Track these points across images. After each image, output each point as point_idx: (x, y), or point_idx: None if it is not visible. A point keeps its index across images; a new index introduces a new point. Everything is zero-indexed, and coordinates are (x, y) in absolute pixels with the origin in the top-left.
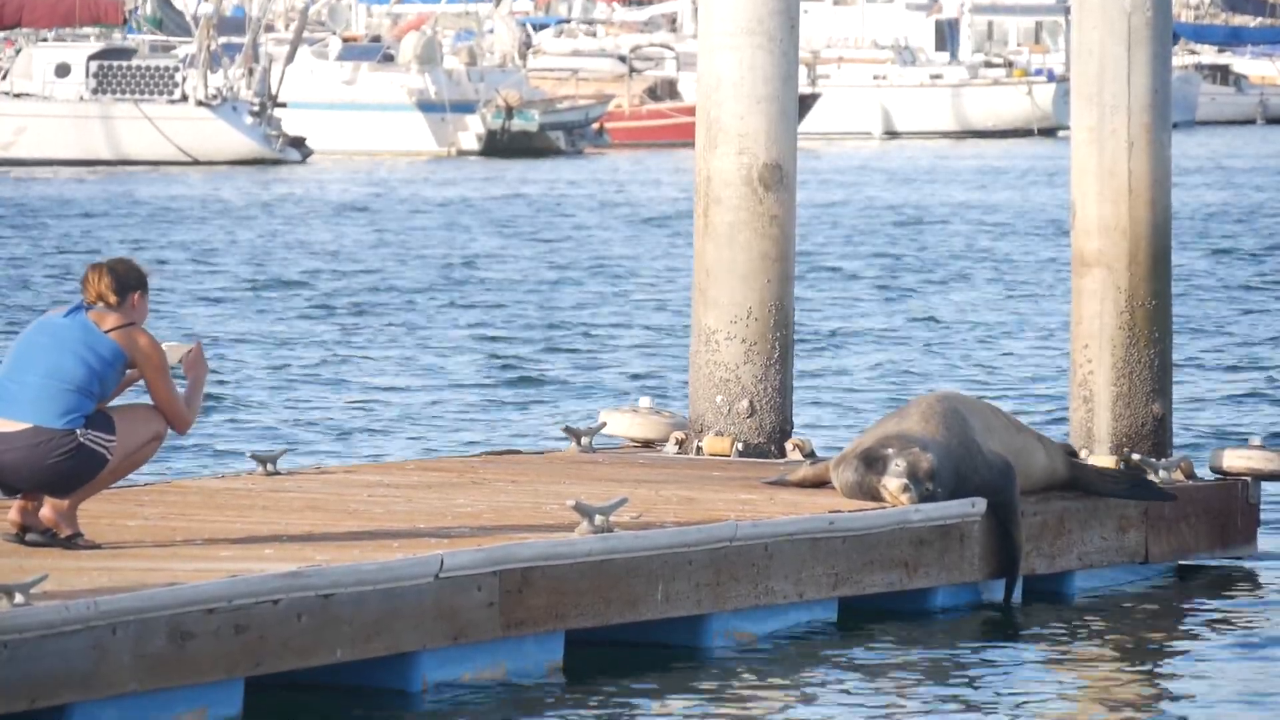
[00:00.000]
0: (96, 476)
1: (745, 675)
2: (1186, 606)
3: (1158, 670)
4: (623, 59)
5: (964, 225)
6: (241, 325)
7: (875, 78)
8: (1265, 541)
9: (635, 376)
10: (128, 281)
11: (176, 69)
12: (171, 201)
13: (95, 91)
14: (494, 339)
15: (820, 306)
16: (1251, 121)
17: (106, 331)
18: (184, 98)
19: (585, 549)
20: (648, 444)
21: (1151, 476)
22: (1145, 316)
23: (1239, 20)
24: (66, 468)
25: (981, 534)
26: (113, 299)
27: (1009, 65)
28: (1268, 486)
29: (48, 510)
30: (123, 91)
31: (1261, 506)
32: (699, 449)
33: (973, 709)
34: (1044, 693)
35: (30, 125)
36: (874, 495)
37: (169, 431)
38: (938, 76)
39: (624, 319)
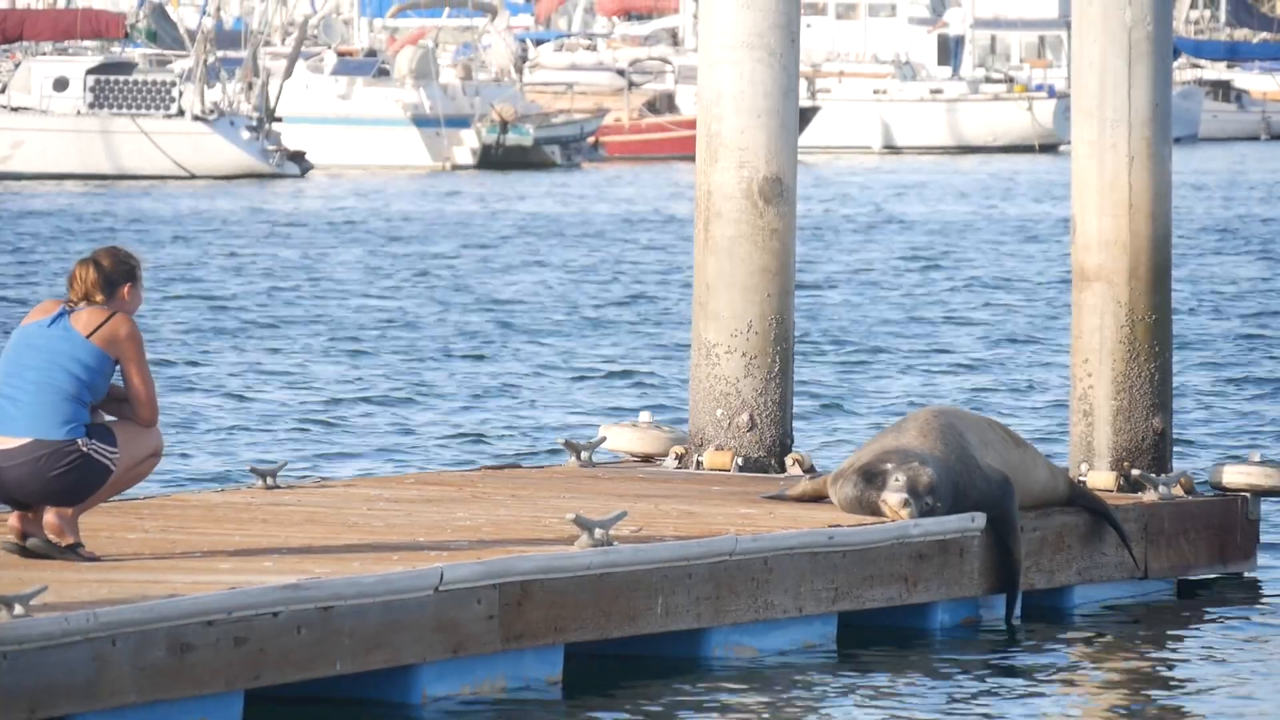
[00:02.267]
0: (101, 487)
1: (744, 690)
2: (1186, 622)
3: (1157, 686)
4: (621, 73)
5: (960, 240)
6: (239, 340)
7: (875, 92)
8: (1264, 557)
9: (635, 390)
10: (114, 277)
11: (174, 84)
12: (167, 216)
13: (93, 106)
14: (494, 353)
15: (821, 320)
16: (1255, 138)
17: (89, 336)
18: (181, 112)
19: (585, 562)
20: (648, 459)
21: (1151, 491)
22: (1145, 331)
23: (1240, 35)
24: (72, 480)
25: (981, 549)
26: (99, 297)
27: (1009, 81)
28: (1267, 502)
29: (51, 516)
30: (120, 106)
31: (1261, 522)
32: (699, 463)
33: None
34: (1044, 709)
35: (27, 139)
36: (873, 510)
37: (163, 447)
38: (938, 91)
39: (624, 332)
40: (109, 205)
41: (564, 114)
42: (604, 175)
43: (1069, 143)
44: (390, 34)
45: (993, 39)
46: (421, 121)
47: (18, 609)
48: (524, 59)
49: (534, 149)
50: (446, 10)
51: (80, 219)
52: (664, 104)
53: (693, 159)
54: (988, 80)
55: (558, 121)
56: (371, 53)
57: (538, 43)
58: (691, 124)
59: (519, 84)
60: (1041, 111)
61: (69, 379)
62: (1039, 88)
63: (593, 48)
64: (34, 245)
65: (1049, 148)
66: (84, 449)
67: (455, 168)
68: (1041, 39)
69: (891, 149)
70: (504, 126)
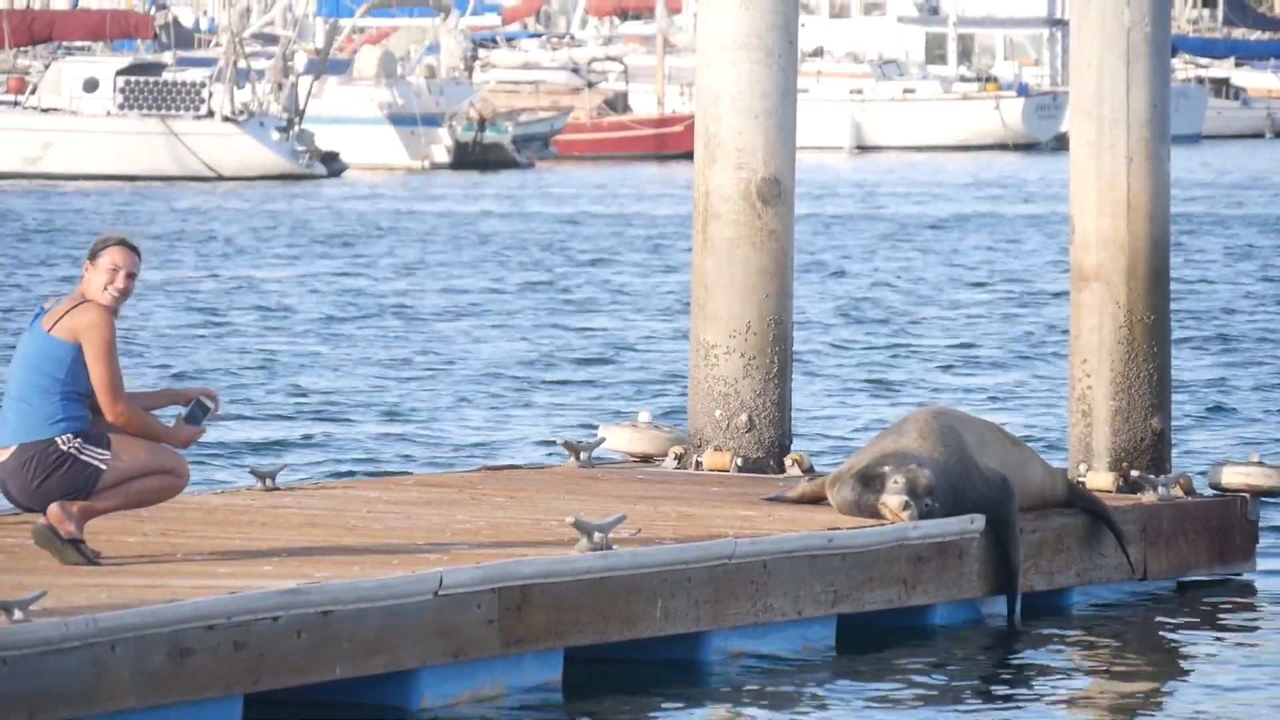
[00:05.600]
0: (95, 489)
1: (744, 693)
2: (1185, 623)
3: (1157, 687)
4: (576, 71)
5: (930, 242)
6: (240, 340)
7: (852, 92)
8: (1263, 558)
9: (635, 390)
10: (88, 256)
11: (203, 85)
12: (188, 216)
13: (122, 106)
14: (492, 354)
15: (818, 320)
16: (1260, 135)
17: (50, 330)
18: (210, 113)
19: (584, 566)
20: (647, 459)
21: (1150, 492)
22: (1144, 331)
23: (1237, 34)
24: (57, 480)
25: (980, 551)
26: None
27: (983, 80)
28: (1266, 503)
29: (54, 505)
30: (150, 107)
31: (1260, 523)
32: (698, 464)
33: None
34: (1043, 711)
35: (58, 140)
36: (872, 513)
37: (186, 477)
38: (911, 91)
39: (623, 333)
40: (137, 207)
41: (527, 112)
42: (587, 175)
43: (1042, 141)
44: (349, 34)
45: (973, 37)
46: (398, 120)
47: (17, 614)
48: (474, 58)
49: (500, 148)
50: (414, 9)
51: (106, 219)
52: (621, 104)
53: (652, 158)
54: (962, 79)
55: (528, 120)
56: (318, 50)
57: (509, 40)
58: (654, 123)
59: (476, 83)
60: (1010, 111)
61: (41, 376)
62: (1009, 86)
63: (582, 44)
64: (63, 247)
65: (1025, 147)
66: (63, 446)
67: (434, 166)
68: (1028, 38)
69: (863, 149)
70: (482, 124)
